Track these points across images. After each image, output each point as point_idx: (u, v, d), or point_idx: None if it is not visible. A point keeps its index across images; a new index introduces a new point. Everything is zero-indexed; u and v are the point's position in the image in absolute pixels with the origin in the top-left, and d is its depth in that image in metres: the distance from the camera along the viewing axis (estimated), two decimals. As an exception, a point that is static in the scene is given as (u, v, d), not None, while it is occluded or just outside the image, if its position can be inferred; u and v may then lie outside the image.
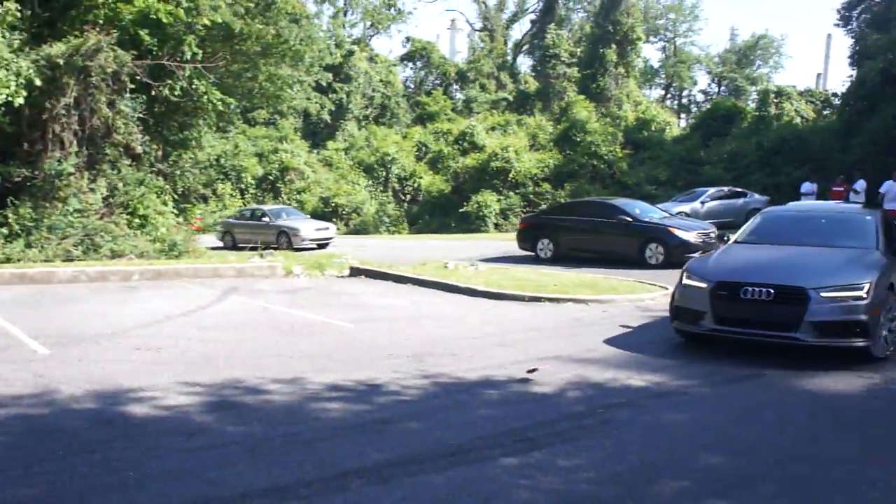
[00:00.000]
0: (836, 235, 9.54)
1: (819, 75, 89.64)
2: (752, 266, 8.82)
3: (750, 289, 8.10)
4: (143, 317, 10.45)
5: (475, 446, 5.28)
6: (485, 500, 4.37)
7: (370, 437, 5.46)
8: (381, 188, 43.19)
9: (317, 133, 53.08)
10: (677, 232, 17.58)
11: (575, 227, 19.17)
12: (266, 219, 27.57)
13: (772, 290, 7.98)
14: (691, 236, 17.49)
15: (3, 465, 4.78)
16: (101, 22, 17.52)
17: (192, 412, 6.00)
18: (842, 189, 26.75)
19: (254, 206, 33.75)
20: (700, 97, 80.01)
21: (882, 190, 24.38)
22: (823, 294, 7.85)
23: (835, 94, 44.68)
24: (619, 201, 20.74)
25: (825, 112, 45.05)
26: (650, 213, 19.17)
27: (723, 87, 76.43)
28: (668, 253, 17.35)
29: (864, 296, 7.82)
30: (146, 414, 5.92)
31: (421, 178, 43.14)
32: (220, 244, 27.48)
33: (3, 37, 15.80)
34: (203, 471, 4.73)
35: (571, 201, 22.66)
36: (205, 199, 37.60)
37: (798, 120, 41.63)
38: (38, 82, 15.87)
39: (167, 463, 4.86)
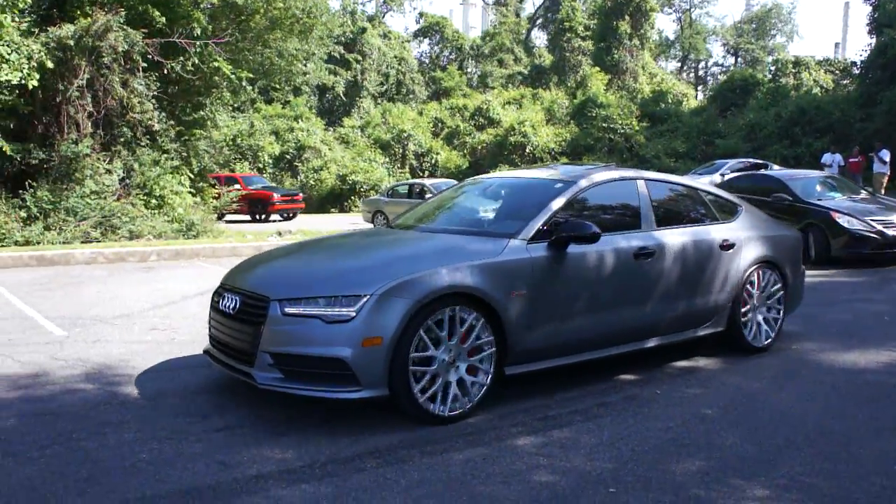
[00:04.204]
0: (504, 214, 6.58)
1: (837, 44, 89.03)
2: (271, 261, 6.20)
3: (226, 295, 5.65)
4: (160, 297, 10.46)
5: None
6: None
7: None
8: (399, 165, 43.20)
9: (332, 111, 53.19)
10: (840, 218, 13.64)
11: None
12: (429, 196, 20.23)
13: (237, 299, 5.46)
14: (859, 224, 13.43)
15: (14, 446, 4.75)
16: (108, 1, 17.50)
17: (206, 393, 5.96)
18: (858, 160, 26.46)
19: (411, 180, 30.20)
20: (716, 69, 79.56)
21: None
22: (289, 309, 5.03)
23: (853, 63, 44.19)
24: (781, 174, 16.74)
25: (844, 82, 44.64)
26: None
27: (739, 59, 75.87)
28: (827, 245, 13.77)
29: (352, 314, 4.90)
30: (160, 395, 5.90)
31: (438, 153, 43.16)
32: (370, 226, 24.49)
33: (14, 20, 15.80)
34: (214, 452, 4.69)
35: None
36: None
37: (817, 90, 41.27)
38: (49, 64, 15.86)
39: (180, 445, 4.82)
